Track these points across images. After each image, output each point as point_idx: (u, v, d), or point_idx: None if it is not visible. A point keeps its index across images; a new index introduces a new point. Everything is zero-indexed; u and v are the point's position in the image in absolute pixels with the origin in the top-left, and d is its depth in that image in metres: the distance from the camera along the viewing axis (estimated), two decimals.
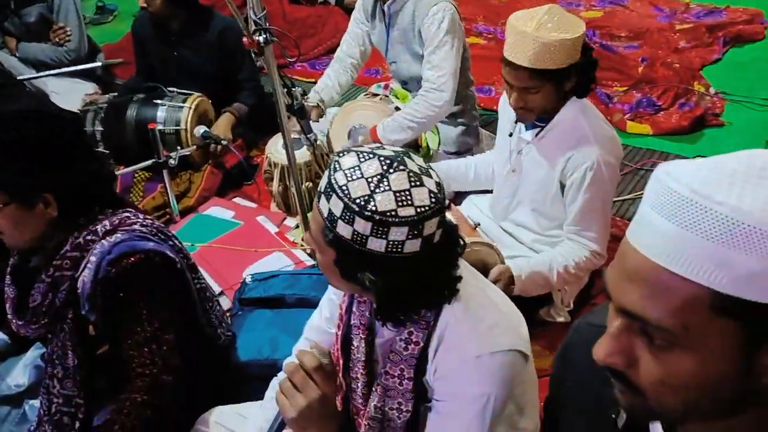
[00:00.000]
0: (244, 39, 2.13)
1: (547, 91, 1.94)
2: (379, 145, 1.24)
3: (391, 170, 1.14)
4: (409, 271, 1.18)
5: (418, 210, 1.13)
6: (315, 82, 3.12)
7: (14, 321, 1.67)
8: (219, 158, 3.18)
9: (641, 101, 3.71)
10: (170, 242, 1.67)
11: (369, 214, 1.11)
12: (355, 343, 1.44)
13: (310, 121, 2.70)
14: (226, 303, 2.47)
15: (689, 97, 3.70)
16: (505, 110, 2.22)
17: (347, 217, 1.13)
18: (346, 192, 1.13)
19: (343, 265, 1.20)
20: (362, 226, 1.12)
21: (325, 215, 1.16)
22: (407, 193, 1.13)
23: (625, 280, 0.66)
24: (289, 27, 4.65)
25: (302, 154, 2.80)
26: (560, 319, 2.25)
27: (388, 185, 1.13)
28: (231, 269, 2.58)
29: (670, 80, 3.84)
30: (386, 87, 3.06)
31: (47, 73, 3.30)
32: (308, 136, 2.72)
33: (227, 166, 3.20)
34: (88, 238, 1.54)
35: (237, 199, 3.13)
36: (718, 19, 4.57)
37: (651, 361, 0.67)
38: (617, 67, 4.10)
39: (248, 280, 2.26)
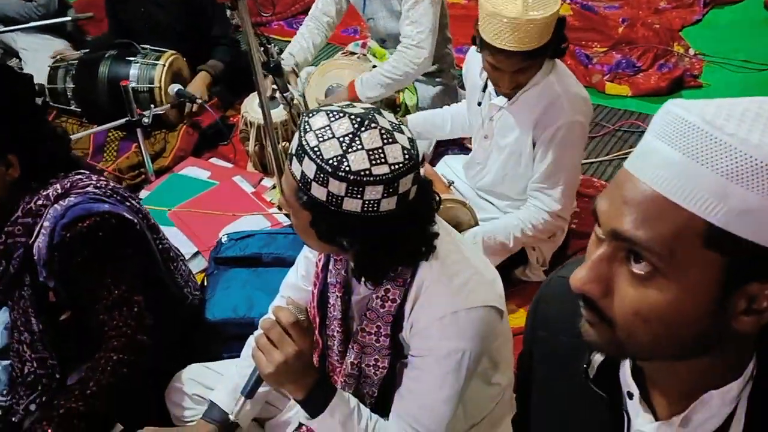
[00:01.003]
0: None
1: (536, 65, 1.93)
2: (349, 102, 1.22)
3: (363, 128, 1.12)
4: (385, 229, 1.17)
5: (393, 167, 1.12)
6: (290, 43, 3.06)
7: None
8: (194, 117, 3.12)
9: (620, 62, 3.70)
10: (127, 203, 1.62)
11: (343, 174, 1.10)
12: (332, 301, 1.44)
13: (288, 85, 2.67)
14: (202, 263, 2.46)
15: (668, 59, 3.69)
16: (472, 79, 2.20)
17: (321, 179, 1.11)
18: (318, 153, 1.11)
19: (319, 227, 1.19)
20: (336, 187, 1.11)
21: (298, 178, 1.14)
22: (380, 151, 1.12)
23: (621, 206, 0.66)
24: None
25: (278, 113, 2.75)
26: (536, 279, 2.26)
27: (360, 144, 1.11)
28: (207, 229, 2.56)
29: (650, 41, 3.83)
30: (364, 46, 3.02)
31: (14, 27, 3.19)
32: (284, 94, 2.68)
33: (203, 126, 3.14)
34: (39, 203, 1.49)
35: (213, 160, 3.08)
36: None
37: (629, 290, 0.67)
38: (597, 27, 4.07)
39: (224, 239, 2.24)
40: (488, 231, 2.08)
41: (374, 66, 2.85)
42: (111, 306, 1.51)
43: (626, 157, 0.70)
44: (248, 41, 2.23)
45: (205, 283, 2.12)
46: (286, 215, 2.60)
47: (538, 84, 1.98)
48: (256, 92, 2.85)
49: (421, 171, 1.23)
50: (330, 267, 1.43)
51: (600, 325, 0.71)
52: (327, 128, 1.13)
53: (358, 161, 1.10)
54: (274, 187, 2.83)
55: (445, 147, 2.91)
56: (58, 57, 3.25)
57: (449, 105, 2.97)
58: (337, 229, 1.18)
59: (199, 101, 2.93)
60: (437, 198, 1.31)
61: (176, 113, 3.06)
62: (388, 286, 1.30)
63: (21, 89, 1.47)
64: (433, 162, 2.71)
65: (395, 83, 2.70)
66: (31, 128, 1.48)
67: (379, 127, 1.13)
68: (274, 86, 2.58)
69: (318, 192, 1.13)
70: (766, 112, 0.62)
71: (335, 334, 1.43)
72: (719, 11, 4.24)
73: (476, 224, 2.09)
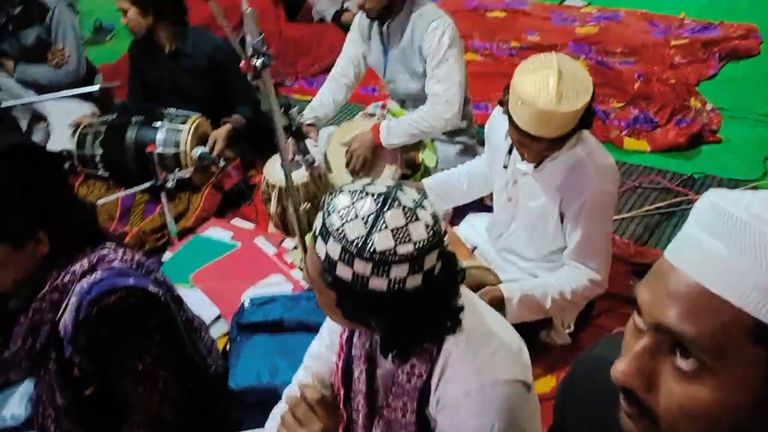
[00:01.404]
0: (242, 63, 2.12)
1: (564, 143, 1.93)
2: (370, 180, 1.23)
3: (386, 207, 1.13)
4: (412, 307, 1.17)
5: (417, 245, 1.12)
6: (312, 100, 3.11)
7: None
8: (217, 179, 3.17)
9: (638, 117, 3.72)
10: (152, 276, 1.62)
11: (368, 255, 1.10)
12: (356, 374, 1.43)
13: (307, 140, 2.71)
14: (224, 327, 2.46)
15: (686, 113, 3.71)
16: (496, 140, 2.20)
17: (346, 259, 1.12)
18: (343, 234, 1.12)
19: (346, 307, 1.19)
20: (362, 267, 1.11)
21: (323, 258, 1.15)
22: (404, 229, 1.12)
23: (664, 298, 0.65)
24: (286, 45, 4.67)
25: (300, 175, 2.79)
26: (561, 342, 2.23)
27: (385, 223, 1.12)
28: (230, 292, 2.57)
29: (667, 96, 3.85)
30: (383, 107, 3.06)
31: (44, 97, 3.29)
32: (306, 157, 2.72)
33: (226, 188, 3.19)
34: (67, 279, 1.50)
35: (235, 220, 3.11)
36: (713, 35, 4.61)
37: (675, 386, 0.66)
38: (613, 83, 4.12)
39: (246, 304, 2.25)
40: (527, 289, 2.05)
41: None
42: (136, 380, 1.50)
43: (648, 215, 0.70)
44: (271, 107, 2.27)
45: (228, 348, 2.12)
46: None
47: (565, 153, 1.97)
48: (277, 154, 2.92)
49: (445, 239, 1.24)
50: (354, 339, 1.43)
51: (641, 420, 0.70)
52: (350, 208, 1.14)
53: (383, 241, 1.11)
54: (295, 248, 2.85)
55: (465, 206, 2.91)
56: (82, 123, 3.31)
57: None
58: (363, 307, 1.18)
59: (222, 164, 2.98)
60: (462, 270, 1.31)
61: (200, 176, 3.11)
62: (414, 361, 1.29)
63: (48, 166, 1.50)
64: (455, 221, 2.72)
65: (421, 134, 2.76)
66: (60, 204, 1.50)
67: (402, 206, 1.14)
68: (296, 148, 2.63)
69: (343, 272, 1.13)
70: None
71: (360, 408, 1.42)
72: (735, 65, 4.27)
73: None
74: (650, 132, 3.61)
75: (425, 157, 2.94)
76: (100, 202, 2.75)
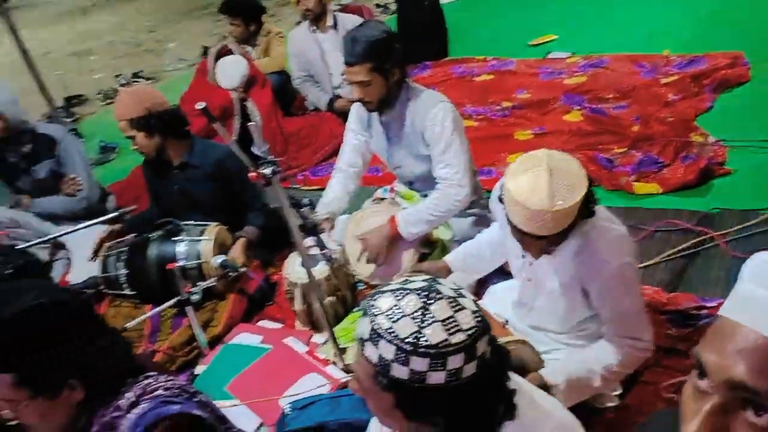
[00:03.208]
0: (251, 174, 2.17)
1: (566, 235, 1.90)
2: (405, 278, 1.25)
3: (430, 300, 1.16)
4: (469, 396, 1.18)
5: (468, 333, 1.15)
6: (319, 189, 3.16)
7: None
8: (241, 285, 3.19)
9: (643, 160, 3.74)
10: (195, 399, 1.63)
11: (423, 350, 1.12)
12: None
13: (324, 234, 2.75)
14: None
15: (689, 149, 3.71)
16: (502, 219, 2.13)
17: (401, 359, 1.13)
18: (394, 334, 1.14)
19: (405, 407, 1.20)
20: (419, 363, 1.13)
21: (375, 361, 1.16)
22: (452, 319, 1.15)
23: (733, 355, 0.66)
24: (286, 140, 4.78)
25: (320, 270, 2.82)
26: (610, 404, 2.18)
27: (432, 316, 1.14)
28: (267, 397, 2.55)
29: (667, 135, 3.88)
30: (392, 190, 3.11)
31: (64, 232, 3.36)
32: (323, 251, 2.76)
33: (250, 292, 3.21)
34: (114, 415, 1.51)
35: (262, 322, 3.12)
36: (700, 68, 4.65)
37: None
38: (611, 129, 4.16)
39: (287, 410, 2.23)
40: (571, 372, 1.97)
41: (404, 208, 2.92)
42: None
43: (671, 259, 0.71)
44: (284, 212, 2.31)
45: None
46: (344, 370, 2.59)
47: (574, 236, 1.93)
48: (295, 253, 2.95)
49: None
50: None
51: None
52: (396, 308, 1.16)
53: (435, 334, 1.13)
54: (325, 342, 2.84)
55: (486, 276, 2.91)
56: (103, 244, 3.37)
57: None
58: (423, 405, 1.18)
59: (243, 269, 3.02)
60: (506, 351, 1.31)
61: (224, 283, 3.13)
62: None
63: (75, 316, 1.52)
64: (479, 294, 2.70)
65: (438, 220, 2.79)
66: (90, 351, 1.52)
67: (444, 296, 1.17)
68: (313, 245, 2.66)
69: (399, 372, 1.14)
70: None
71: None
72: (728, 95, 4.30)
73: (540, 361, 2.03)
74: (658, 173, 3.61)
75: (441, 233, 2.96)
76: (129, 325, 2.77)
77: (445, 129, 2.69)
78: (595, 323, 2.10)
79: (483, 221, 3.02)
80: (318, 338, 2.91)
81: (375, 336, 1.16)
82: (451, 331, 1.14)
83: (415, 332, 1.13)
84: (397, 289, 1.20)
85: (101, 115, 6.62)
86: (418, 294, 1.17)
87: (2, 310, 1.40)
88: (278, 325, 3.08)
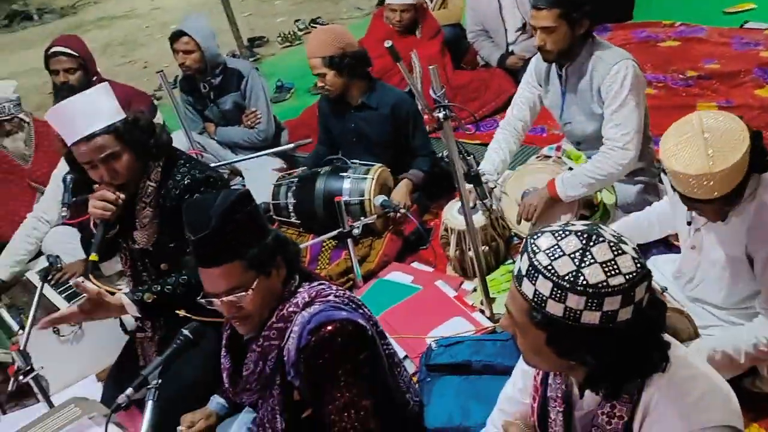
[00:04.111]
0: (425, 116, 2.25)
1: (740, 195, 1.82)
2: (567, 221, 1.27)
3: (591, 243, 1.18)
4: (623, 340, 1.19)
5: (627, 277, 1.15)
6: (481, 144, 3.16)
7: (230, 389, 1.86)
8: (398, 225, 3.32)
9: None
10: (360, 311, 1.80)
11: (581, 288, 1.15)
12: (552, 416, 1.45)
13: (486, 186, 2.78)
14: (410, 368, 2.55)
15: None
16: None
17: (558, 295, 1.16)
18: (553, 271, 1.17)
19: (558, 344, 1.23)
20: (575, 301, 1.15)
21: (531, 297, 1.20)
22: (613, 262, 1.16)
23: None
24: (454, 92, 4.81)
25: (478, 219, 2.87)
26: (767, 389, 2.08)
27: (593, 258, 1.16)
28: (414, 334, 2.67)
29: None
30: (558, 149, 3.06)
31: (248, 156, 3.69)
32: (484, 201, 2.80)
33: (405, 233, 3.34)
34: (291, 309, 1.71)
35: (414, 264, 3.24)
36: None
37: None
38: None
39: (433, 345, 2.33)
40: (715, 345, 1.93)
41: (570, 168, 2.88)
42: (341, 408, 1.66)
43: None
44: (451, 157, 2.38)
45: (418, 389, 2.21)
46: (489, 318, 2.65)
47: (748, 199, 1.84)
48: (455, 200, 3.02)
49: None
50: (549, 380, 1.46)
51: None
52: (556, 247, 1.19)
53: (594, 274, 1.15)
54: (475, 290, 2.91)
55: (649, 246, 2.81)
56: (280, 176, 3.65)
57: (650, 202, 2.90)
58: (575, 344, 1.21)
59: (403, 211, 3.14)
60: (664, 303, 1.30)
61: (382, 221, 3.28)
62: (615, 402, 1.30)
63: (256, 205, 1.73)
64: None
65: (598, 183, 2.72)
66: (279, 234, 1.73)
67: (606, 240, 1.19)
68: (475, 194, 2.71)
69: (554, 308, 1.18)
70: None
71: None
72: None
73: (696, 333, 1.97)
74: None
75: (603, 196, 2.89)
76: None
77: (623, 88, 2.60)
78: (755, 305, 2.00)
79: (651, 189, 2.92)
80: (468, 285, 2.98)
81: (533, 272, 1.19)
82: (611, 273, 1.15)
83: (574, 271, 1.15)
84: (559, 230, 1.22)
85: (280, 57, 6.99)
86: (579, 236, 1.19)
87: (220, 207, 1.61)
88: (430, 269, 3.18)
